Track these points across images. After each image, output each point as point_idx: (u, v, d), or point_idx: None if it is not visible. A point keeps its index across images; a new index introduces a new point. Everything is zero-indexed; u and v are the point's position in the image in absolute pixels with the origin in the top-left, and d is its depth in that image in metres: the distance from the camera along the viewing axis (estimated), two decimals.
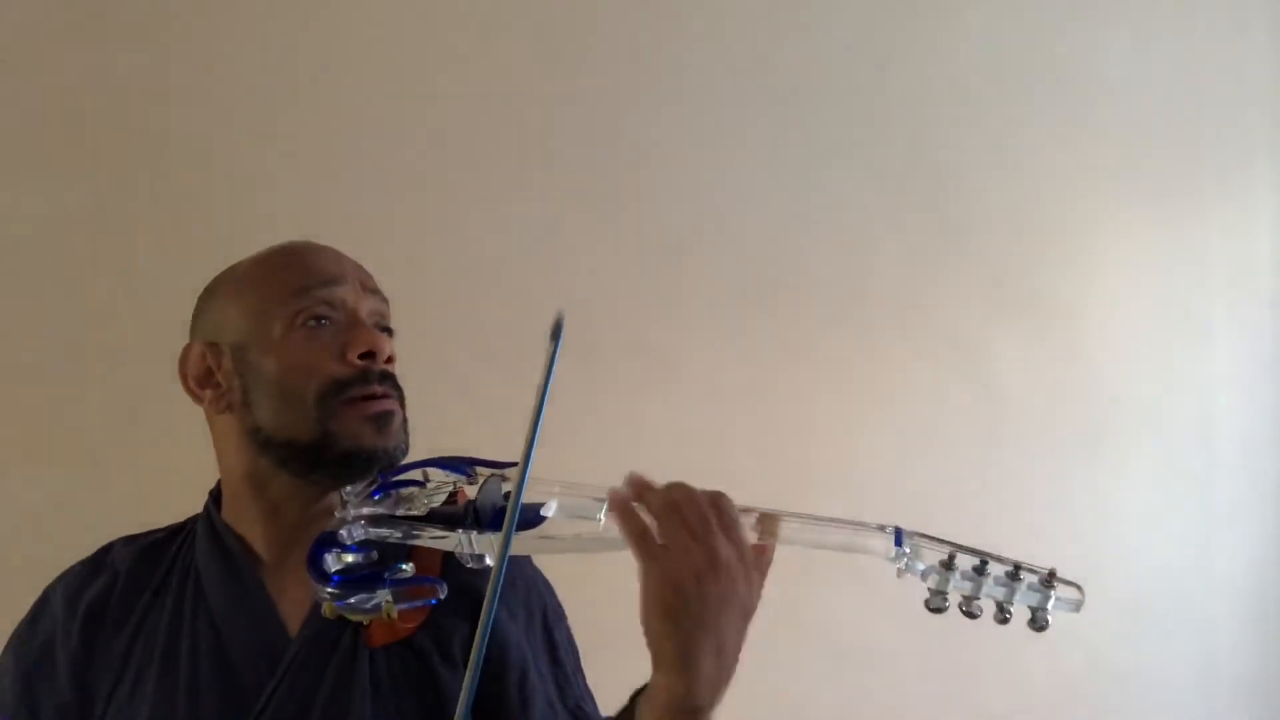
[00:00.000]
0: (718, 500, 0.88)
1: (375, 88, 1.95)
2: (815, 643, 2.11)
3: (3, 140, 1.73)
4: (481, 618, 0.65)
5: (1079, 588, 0.88)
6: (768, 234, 2.21)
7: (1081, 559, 2.49)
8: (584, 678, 1.10)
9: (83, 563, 1.08)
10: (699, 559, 0.84)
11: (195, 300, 1.74)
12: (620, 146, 2.10)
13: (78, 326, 1.73)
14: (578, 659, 1.11)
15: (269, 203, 1.82)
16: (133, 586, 1.04)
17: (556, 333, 0.87)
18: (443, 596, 0.94)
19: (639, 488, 0.88)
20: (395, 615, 0.93)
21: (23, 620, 1.06)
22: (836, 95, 2.30)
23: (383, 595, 0.92)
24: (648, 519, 0.86)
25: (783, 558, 0.92)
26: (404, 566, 0.94)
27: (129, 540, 1.09)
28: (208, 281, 1.84)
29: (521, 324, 1.95)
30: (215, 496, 1.09)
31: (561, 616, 1.12)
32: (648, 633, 0.85)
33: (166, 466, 1.72)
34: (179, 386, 1.74)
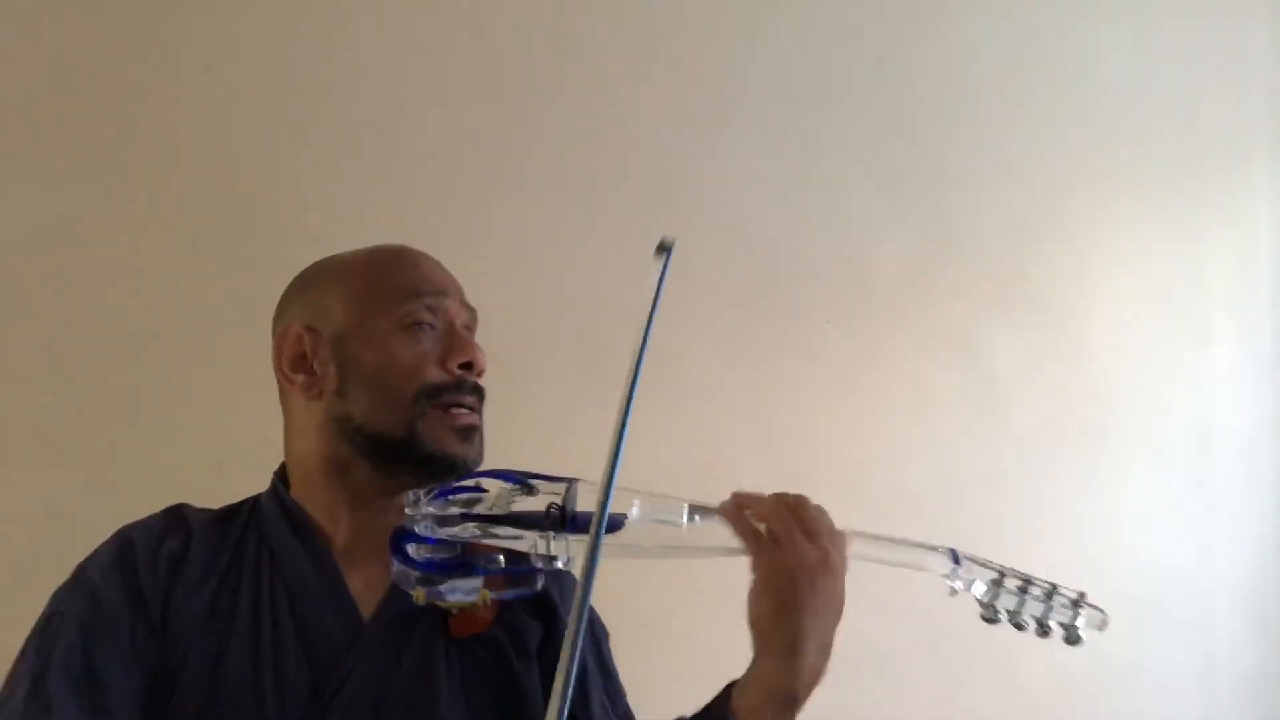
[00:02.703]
0: (823, 511, 0.98)
1: (376, 87, 1.95)
2: None
3: (3, 140, 1.73)
4: (574, 617, 0.67)
5: (1102, 611, 1.00)
6: (768, 234, 2.21)
7: (1081, 559, 2.50)
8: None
9: (155, 517, 1.08)
10: (814, 557, 0.93)
11: (196, 299, 1.76)
12: (619, 145, 2.10)
13: (78, 326, 1.73)
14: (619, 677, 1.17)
15: (270, 203, 1.82)
16: (208, 549, 1.05)
17: (664, 254, 0.88)
18: (539, 588, 0.99)
19: (743, 498, 0.96)
20: (490, 603, 0.97)
21: (100, 554, 1.03)
22: (837, 94, 2.30)
23: (473, 584, 0.96)
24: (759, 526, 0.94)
25: None
26: (497, 556, 0.97)
27: (196, 509, 1.10)
28: (207, 281, 1.84)
29: (521, 324, 1.95)
30: (283, 476, 1.11)
31: (606, 634, 1.17)
32: (756, 620, 0.93)
33: (167, 466, 1.72)
34: (179, 386, 1.75)
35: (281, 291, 1.16)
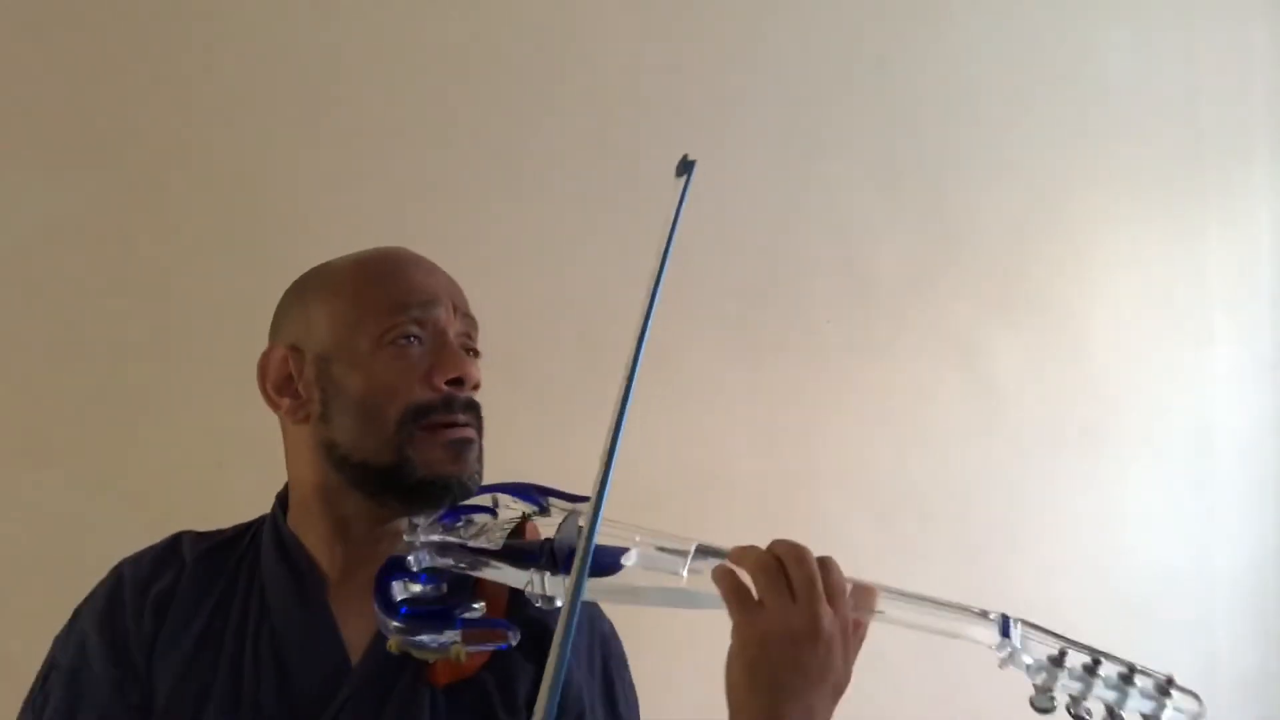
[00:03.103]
0: (827, 565, 0.83)
1: (376, 88, 1.95)
2: None
3: (3, 139, 1.73)
4: (550, 670, 0.62)
5: (1197, 697, 0.81)
6: (768, 233, 2.21)
7: (1081, 559, 2.49)
8: None
9: (152, 550, 1.04)
10: (798, 623, 0.79)
11: (197, 299, 1.76)
12: (618, 145, 2.10)
13: (78, 327, 1.73)
14: (637, 711, 1.07)
15: (270, 203, 1.82)
16: (198, 585, 1.00)
17: (687, 173, 0.84)
18: (514, 643, 0.91)
19: (739, 551, 0.84)
20: (464, 658, 0.90)
21: (95, 597, 1.02)
22: (837, 94, 2.30)
23: (452, 636, 0.89)
24: (747, 579, 0.82)
25: None
26: (476, 606, 0.90)
27: (198, 537, 1.06)
28: (207, 281, 1.84)
29: (520, 325, 1.95)
30: (283, 502, 1.06)
31: (624, 664, 1.07)
32: (728, 690, 0.81)
33: (167, 466, 1.73)
34: (179, 387, 1.75)
35: (281, 292, 1.13)
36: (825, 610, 0.80)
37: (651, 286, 0.76)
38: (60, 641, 1.01)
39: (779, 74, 2.25)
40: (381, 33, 1.96)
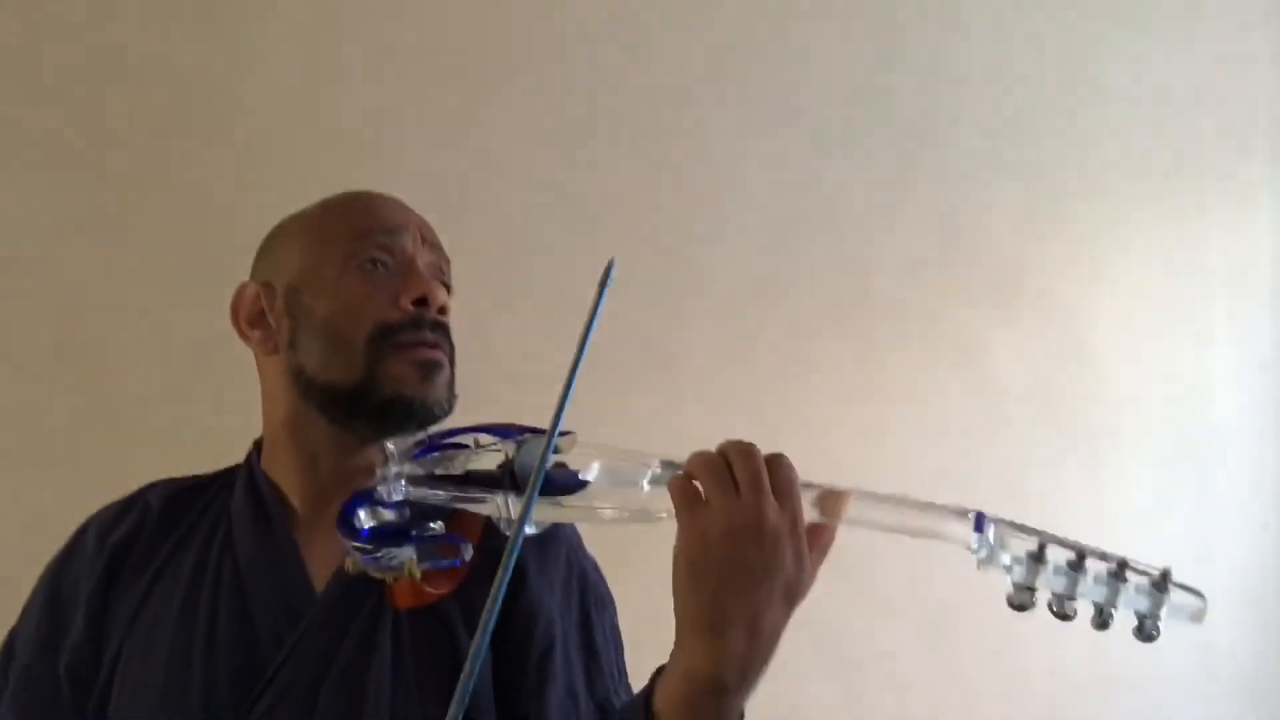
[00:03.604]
0: (777, 461, 0.80)
1: (375, 85, 1.95)
2: (814, 642, 2.11)
3: (4, 140, 1.73)
4: (496, 579, 0.62)
5: (1199, 594, 0.76)
6: (768, 234, 2.21)
7: None
8: (623, 671, 1.03)
9: (119, 501, 1.07)
10: (741, 518, 0.75)
11: (195, 298, 1.76)
12: (619, 145, 2.10)
13: (79, 327, 1.73)
14: (619, 651, 1.05)
15: (271, 204, 1.82)
16: (161, 529, 1.02)
17: (605, 278, 0.83)
18: (467, 558, 0.89)
19: (692, 456, 0.81)
20: (418, 574, 0.88)
21: (58, 554, 1.05)
22: (837, 95, 2.30)
23: (407, 552, 0.88)
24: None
25: None
26: (433, 525, 0.89)
27: (170, 483, 1.08)
28: (208, 280, 1.84)
29: (519, 322, 1.95)
30: (259, 445, 1.07)
31: (606, 604, 1.05)
32: (674, 593, 0.78)
33: (167, 466, 1.72)
34: (179, 386, 1.75)
35: None
36: (770, 505, 0.76)
37: (568, 375, 0.77)
38: (29, 598, 1.04)
39: (779, 73, 2.25)
40: (382, 33, 1.96)
